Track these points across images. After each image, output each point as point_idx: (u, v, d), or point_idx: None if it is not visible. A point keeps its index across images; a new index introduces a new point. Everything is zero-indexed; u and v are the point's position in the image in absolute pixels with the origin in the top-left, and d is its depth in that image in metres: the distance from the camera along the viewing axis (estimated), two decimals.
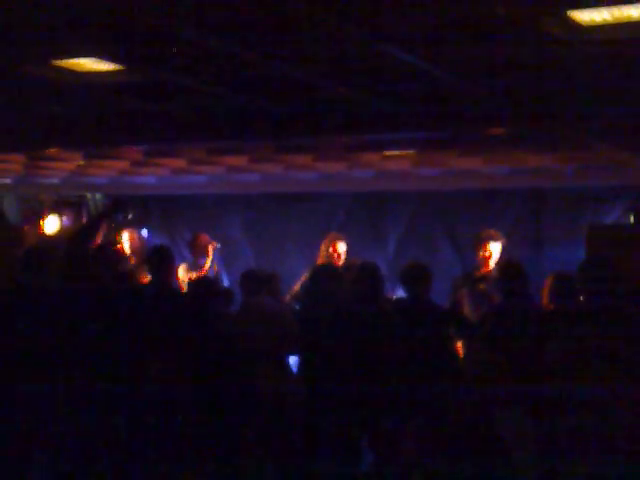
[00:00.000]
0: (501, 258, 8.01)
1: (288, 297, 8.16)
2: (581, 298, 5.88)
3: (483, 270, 8.04)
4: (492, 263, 8.00)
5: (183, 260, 10.32)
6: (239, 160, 9.44)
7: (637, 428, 5.16)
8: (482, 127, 7.06)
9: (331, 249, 8.65)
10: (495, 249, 8.08)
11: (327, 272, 6.84)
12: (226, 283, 10.06)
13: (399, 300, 7.05)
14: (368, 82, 6.17)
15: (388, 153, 8.81)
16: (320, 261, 8.55)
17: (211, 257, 9.32)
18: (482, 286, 7.80)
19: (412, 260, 6.95)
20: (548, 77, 5.86)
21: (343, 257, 8.64)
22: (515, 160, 8.94)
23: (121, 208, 7.72)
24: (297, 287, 8.37)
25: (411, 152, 8.71)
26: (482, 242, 8.15)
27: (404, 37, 4.96)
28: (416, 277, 6.50)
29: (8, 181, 11.69)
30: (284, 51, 5.35)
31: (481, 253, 8.11)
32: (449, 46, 5.18)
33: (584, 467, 5.13)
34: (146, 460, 5.99)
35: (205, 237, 9.58)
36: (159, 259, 6.63)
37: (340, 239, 8.74)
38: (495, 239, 8.11)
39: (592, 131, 7.26)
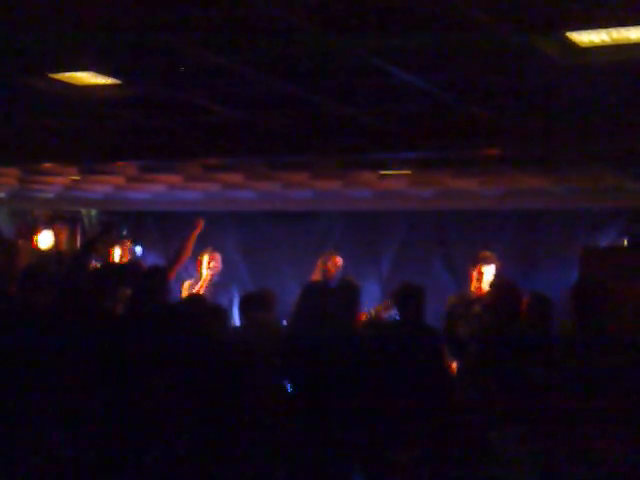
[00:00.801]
0: (495, 279, 8.00)
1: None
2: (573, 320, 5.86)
3: (477, 292, 8.03)
4: (485, 285, 8.00)
5: (180, 277, 10.27)
6: (235, 177, 9.44)
7: (630, 446, 5.13)
8: (478, 148, 7.06)
9: (330, 264, 8.66)
10: (488, 271, 8.08)
11: (318, 290, 6.76)
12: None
13: (389, 321, 7.02)
14: (366, 101, 6.18)
15: (384, 172, 8.81)
16: (315, 277, 8.54)
17: (208, 271, 9.26)
18: (477, 308, 7.78)
19: (404, 281, 6.90)
20: (545, 98, 5.87)
21: (339, 273, 8.66)
22: (510, 181, 8.95)
23: (111, 230, 7.62)
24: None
25: (407, 172, 8.72)
26: (475, 264, 8.15)
27: (403, 57, 4.97)
28: (407, 298, 6.46)
29: (2, 195, 11.67)
30: (282, 68, 5.35)
31: (474, 275, 8.11)
32: (447, 67, 5.18)
33: None
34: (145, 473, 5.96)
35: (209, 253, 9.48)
36: (158, 280, 6.59)
37: (337, 254, 8.80)
38: (488, 261, 8.11)
39: (588, 153, 7.26)
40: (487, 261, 8.07)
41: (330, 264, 8.67)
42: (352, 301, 6.48)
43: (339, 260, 8.76)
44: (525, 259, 10.47)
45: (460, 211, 10.81)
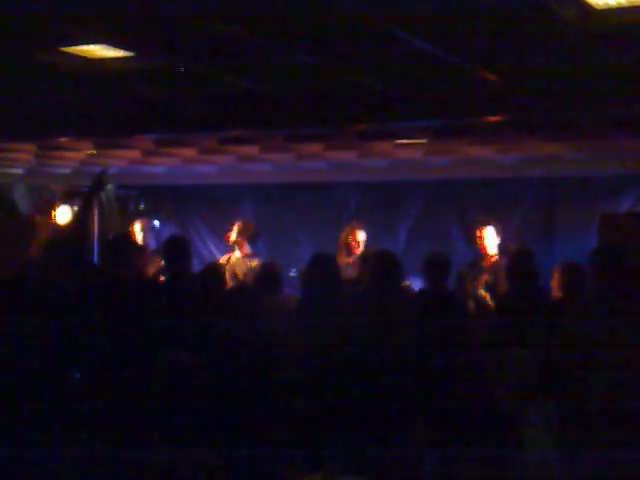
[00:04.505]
0: (504, 243, 8.05)
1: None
2: (591, 287, 5.83)
3: (487, 259, 8.03)
4: (490, 249, 8.00)
5: (195, 251, 10.29)
6: (250, 149, 9.42)
7: None
8: (493, 114, 7.01)
9: (350, 238, 8.60)
10: (488, 233, 8.08)
11: (324, 261, 6.71)
12: None
13: (422, 291, 6.97)
14: (380, 69, 6.13)
15: (400, 142, 8.76)
16: (340, 253, 8.50)
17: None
18: (486, 276, 7.80)
19: (433, 250, 6.81)
20: (561, 62, 5.81)
21: (362, 246, 8.59)
22: (528, 148, 8.89)
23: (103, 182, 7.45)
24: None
25: (423, 141, 8.67)
26: (474, 230, 8.18)
27: (416, 23, 4.92)
28: (439, 267, 6.38)
29: (19, 171, 11.69)
30: (295, 37, 5.31)
31: (477, 241, 8.15)
32: (462, 32, 5.13)
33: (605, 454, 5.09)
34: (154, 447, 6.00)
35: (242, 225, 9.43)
36: (176, 249, 6.59)
37: (359, 228, 8.71)
38: (484, 224, 8.12)
39: (605, 118, 7.20)
40: (483, 223, 8.09)
41: (352, 235, 8.61)
42: (387, 271, 6.37)
43: (361, 231, 8.67)
44: (544, 226, 10.45)
45: (477, 179, 10.76)
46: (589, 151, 8.95)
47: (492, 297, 7.46)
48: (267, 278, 6.86)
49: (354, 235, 8.63)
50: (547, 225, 10.49)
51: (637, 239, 7.49)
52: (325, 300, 6.14)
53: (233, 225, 9.29)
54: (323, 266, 6.37)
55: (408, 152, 9.35)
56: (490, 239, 8.02)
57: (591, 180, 10.26)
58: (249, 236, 9.11)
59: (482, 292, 7.62)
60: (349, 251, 8.51)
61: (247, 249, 9.14)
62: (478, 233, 8.09)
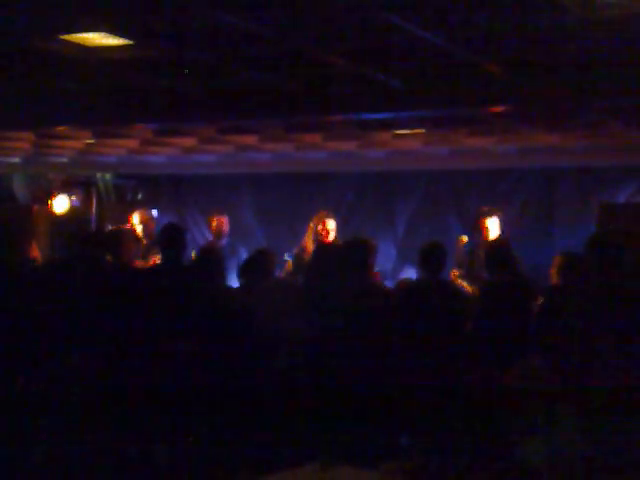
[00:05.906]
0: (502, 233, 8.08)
1: (283, 274, 8.15)
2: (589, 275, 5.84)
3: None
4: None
5: (192, 240, 10.29)
6: (249, 139, 9.41)
7: None
8: (494, 105, 7.00)
9: (320, 227, 8.54)
10: (492, 225, 8.10)
11: (330, 251, 6.73)
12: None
13: (418, 280, 6.96)
14: (379, 59, 6.12)
15: (399, 132, 8.76)
16: (307, 239, 8.49)
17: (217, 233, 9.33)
18: (455, 271, 7.87)
19: (431, 240, 6.81)
20: (561, 53, 5.80)
21: (332, 235, 8.56)
22: (526, 139, 8.90)
23: None
24: (289, 265, 8.38)
25: (422, 131, 8.66)
26: (478, 221, 8.18)
27: (417, 13, 4.91)
28: (435, 257, 6.39)
29: (17, 160, 11.67)
30: (295, 27, 5.31)
31: (481, 232, 8.15)
32: (462, 22, 5.12)
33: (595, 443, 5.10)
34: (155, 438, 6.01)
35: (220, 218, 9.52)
36: (170, 237, 6.59)
37: (329, 217, 8.66)
38: (489, 214, 8.13)
39: (604, 109, 7.20)
40: (489, 214, 8.10)
41: (322, 224, 8.57)
42: (358, 258, 6.41)
43: (331, 220, 8.63)
44: (543, 216, 10.45)
45: (476, 170, 10.76)
46: (588, 142, 8.95)
47: (470, 284, 7.53)
48: (260, 264, 6.88)
49: (324, 223, 8.58)
50: (546, 215, 10.49)
51: (635, 229, 7.49)
52: (328, 291, 6.15)
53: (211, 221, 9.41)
54: (326, 257, 6.38)
55: (407, 142, 9.35)
56: (494, 230, 8.04)
57: (590, 171, 10.25)
58: (221, 229, 9.23)
59: (459, 281, 7.68)
60: (318, 240, 8.47)
61: (223, 241, 9.23)
62: (482, 224, 8.10)
